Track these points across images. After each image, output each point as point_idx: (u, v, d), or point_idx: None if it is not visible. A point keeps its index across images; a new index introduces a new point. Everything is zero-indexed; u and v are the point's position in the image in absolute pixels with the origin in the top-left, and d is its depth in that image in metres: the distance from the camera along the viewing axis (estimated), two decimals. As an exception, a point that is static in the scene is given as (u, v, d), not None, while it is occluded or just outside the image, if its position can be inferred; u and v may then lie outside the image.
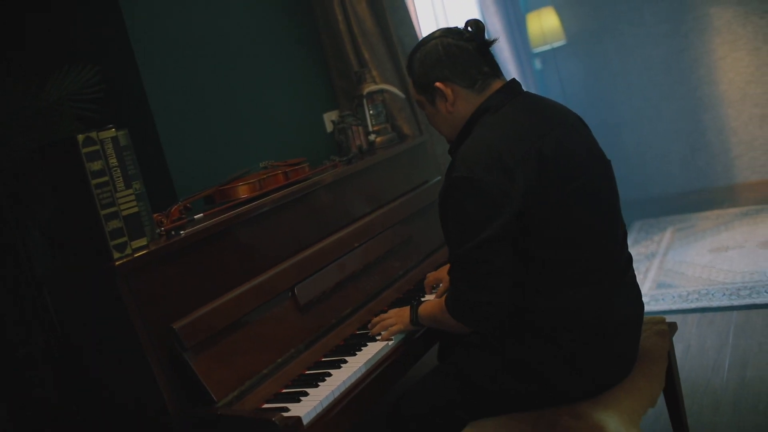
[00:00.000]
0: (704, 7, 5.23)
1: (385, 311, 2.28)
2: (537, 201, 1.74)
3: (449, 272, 1.90)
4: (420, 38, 2.64)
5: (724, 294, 3.74)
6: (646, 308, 3.78)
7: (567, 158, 1.80)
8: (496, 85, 1.93)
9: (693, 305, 3.73)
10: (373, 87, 2.89)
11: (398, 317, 2.13)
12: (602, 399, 1.90)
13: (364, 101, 2.89)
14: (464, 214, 1.76)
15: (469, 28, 1.96)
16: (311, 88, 3.14)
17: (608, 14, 5.54)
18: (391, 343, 2.08)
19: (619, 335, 1.90)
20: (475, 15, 4.69)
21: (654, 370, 2.04)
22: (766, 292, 3.63)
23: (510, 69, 4.83)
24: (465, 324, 1.87)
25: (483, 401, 1.96)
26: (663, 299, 3.89)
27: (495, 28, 4.71)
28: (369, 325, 2.18)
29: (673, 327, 2.28)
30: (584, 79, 5.76)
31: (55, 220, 1.88)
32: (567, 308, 1.82)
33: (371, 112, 2.91)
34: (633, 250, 4.68)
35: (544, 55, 5.78)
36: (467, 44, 1.92)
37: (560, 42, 5.45)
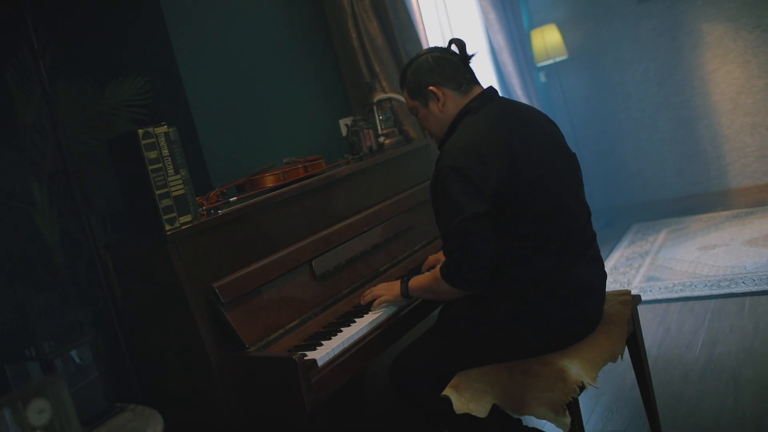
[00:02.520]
0: (696, 23, 5.56)
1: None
2: (509, 184, 2.13)
3: (442, 246, 2.28)
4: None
5: (706, 285, 4.08)
6: (643, 296, 4.15)
7: (533, 150, 2.19)
8: (477, 90, 2.34)
9: (676, 295, 4.07)
10: (382, 96, 3.29)
11: (387, 289, 2.50)
12: (567, 351, 2.27)
13: (375, 108, 3.29)
14: (451, 195, 2.15)
15: (453, 45, 2.38)
16: (328, 97, 3.54)
17: (607, 31, 5.88)
18: (390, 311, 2.46)
19: (581, 298, 2.28)
20: (480, 32, 5.06)
21: (615, 331, 2.40)
22: (743, 282, 3.96)
23: (513, 82, 5.18)
24: (458, 287, 2.23)
25: (468, 355, 2.33)
26: (650, 290, 4.24)
27: (499, 45, 5.08)
28: (361, 298, 2.53)
29: (636, 298, 2.64)
30: (585, 92, 6.10)
31: (112, 204, 2.28)
32: (536, 274, 2.21)
33: (381, 117, 3.31)
34: (629, 250, 5.03)
35: (548, 69, 6.14)
36: (452, 57, 2.33)
37: (562, 57, 5.82)
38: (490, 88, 2.37)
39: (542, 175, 2.18)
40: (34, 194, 2.44)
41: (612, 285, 4.39)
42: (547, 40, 5.75)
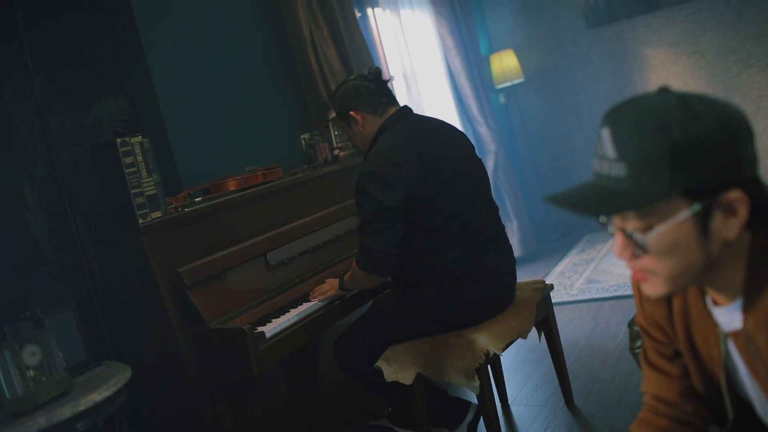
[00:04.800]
0: (642, 48, 6.02)
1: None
2: (419, 185, 2.56)
3: (358, 236, 2.70)
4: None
5: (637, 286, 4.50)
6: (575, 298, 4.58)
7: (441, 157, 2.62)
8: (392, 110, 2.77)
9: (611, 294, 4.49)
10: (333, 115, 3.72)
11: (331, 285, 2.90)
12: (480, 326, 2.69)
13: (330, 124, 3.71)
14: (368, 194, 2.58)
15: (369, 74, 2.81)
16: (290, 113, 3.97)
17: (560, 55, 6.33)
18: (331, 296, 2.86)
19: (491, 281, 2.70)
20: (438, 58, 5.50)
21: (524, 312, 2.82)
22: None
23: (470, 103, 5.60)
24: (366, 271, 2.63)
25: (397, 332, 2.74)
26: (589, 291, 4.66)
27: (456, 68, 5.51)
28: (310, 294, 2.90)
29: (548, 287, 3.05)
30: (541, 112, 6.53)
31: (95, 205, 2.68)
32: (449, 262, 2.63)
33: (336, 133, 3.73)
34: (578, 257, 5.47)
35: (506, 91, 6.58)
36: (369, 83, 2.77)
37: (519, 79, 6.28)
38: (405, 106, 2.81)
39: (449, 177, 2.61)
40: (27, 197, 2.84)
41: (556, 287, 4.82)
42: (505, 64, 6.21)
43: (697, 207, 1.07)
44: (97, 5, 3.15)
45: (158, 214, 2.62)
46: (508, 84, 6.25)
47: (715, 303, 1.22)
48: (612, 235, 1.17)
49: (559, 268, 5.36)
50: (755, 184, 1.10)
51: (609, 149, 1.10)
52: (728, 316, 1.19)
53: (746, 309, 1.15)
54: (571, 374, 3.31)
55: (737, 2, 5.61)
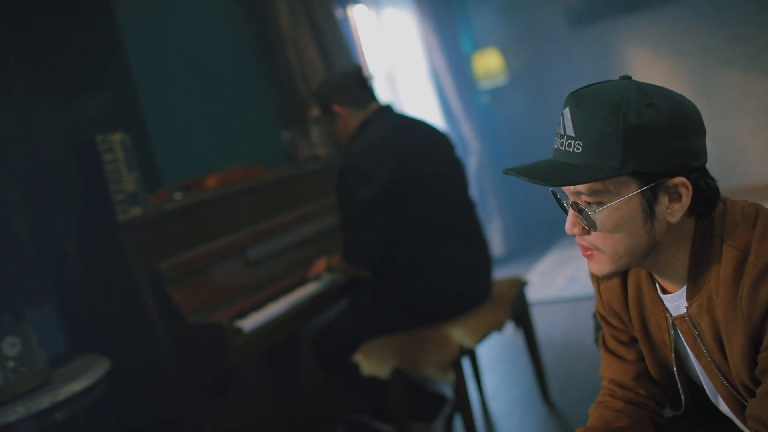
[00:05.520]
0: (624, 48, 6.10)
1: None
2: (397, 180, 2.61)
3: (340, 229, 2.75)
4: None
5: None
6: (555, 297, 4.64)
7: (419, 154, 2.67)
8: (374, 105, 2.82)
9: (590, 293, 4.52)
10: (317, 111, 3.75)
11: (320, 265, 2.94)
12: (455, 320, 2.74)
13: (311, 122, 3.75)
14: (348, 187, 2.62)
15: (351, 70, 2.87)
16: (271, 111, 4.00)
17: (543, 54, 6.38)
18: (310, 291, 2.90)
19: (466, 276, 2.75)
20: (421, 56, 5.55)
21: (499, 306, 2.87)
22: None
23: (453, 103, 5.66)
24: (352, 264, 2.70)
25: (373, 327, 2.78)
26: (569, 289, 4.72)
27: (439, 68, 5.57)
28: (307, 273, 2.98)
29: (524, 283, 3.11)
30: (524, 112, 6.58)
31: (77, 202, 2.71)
32: (425, 256, 2.68)
33: (317, 131, 3.77)
34: (559, 256, 5.53)
35: (491, 92, 6.63)
36: (352, 79, 2.82)
37: (503, 79, 6.33)
38: (387, 104, 2.85)
39: (426, 174, 2.66)
40: (9, 194, 2.87)
41: (536, 286, 4.88)
42: (489, 62, 6.25)
43: (644, 188, 1.14)
44: (79, 4, 3.18)
45: (138, 210, 2.65)
46: (492, 82, 6.30)
47: (665, 290, 1.28)
48: (566, 212, 1.23)
49: (541, 267, 5.42)
50: (701, 175, 1.17)
51: (569, 128, 1.16)
52: (675, 302, 1.25)
53: (690, 295, 1.20)
54: (548, 370, 3.36)
55: (718, 4, 5.69)
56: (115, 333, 2.66)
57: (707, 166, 1.21)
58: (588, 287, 4.58)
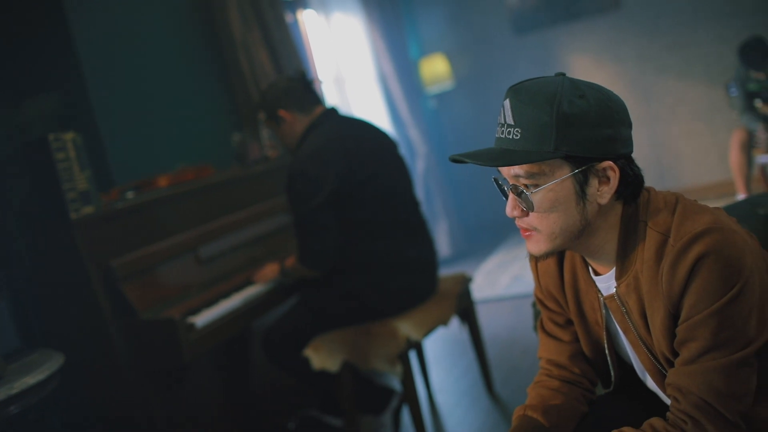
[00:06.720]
0: (566, 55, 6.28)
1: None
2: (346, 182, 2.69)
3: (294, 233, 2.82)
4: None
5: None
6: (500, 295, 4.77)
7: (366, 155, 2.76)
8: (319, 109, 2.89)
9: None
10: (263, 115, 3.80)
11: (272, 270, 3.00)
12: (402, 315, 2.83)
13: (261, 125, 3.81)
14: (297, 193, 2.70)
15: (295, 75, 2.94)
16: (222, 113, 4.05)
17: (488, 61, 6.53)
18: (261, 288, 2.96)
19: (413, 272, 2.84)
20: (369, 61, 5.65)
21: (444, 301, 2.97)
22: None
23: (401, 107, 5.76)
24: (308, 267, 2.78)
25: (323, 322, 2.86)
26: (514, 287, 4.85)
27: (387, 72, 5.67)
28: (253, 276, 3.05)
29: (468, 279, 3.21)
30: (470, 116, 6.71)
31: (27, 203, 2.73)
32: (373, 253, 2.77)
33: (267, 133, 3.83)
34: (504, 256, 5.68)
35: (438, 97, 6.76)
36: (296, 84, 2.89)
37: (449, 84, 6.46)
38: (332, 107, 2.94)
39: (373, 174, 2.75)
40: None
41: (481, 284, 5.01)
42: (436, 67, 6.38)
43: (576, 171, 1.25)
44: (29, 4, 3.19)
45: (91, 209, 2.68)
46: (439, 87, 6.43)
47: (596, 273, 1.39)
48: (506, 197, 1.34)
49: (486, 267, 5.55)
50: (627, 162, 1.30)
51: (509, 117, 1.28)
52: (606, 283, 1.37)
53: (619, 275, 1.32)
54: (492, 364, 3.48)
55: (654, 14, 5.92)
56: (68, 329, 2.68)
57: (643, 166, 1.34)
58: (531, 285, 4.72)
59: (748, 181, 4.98)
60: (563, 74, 1.31)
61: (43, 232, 2.70)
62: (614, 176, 1.27)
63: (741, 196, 4.95)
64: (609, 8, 6.03)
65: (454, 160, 1.31)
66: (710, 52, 5.75)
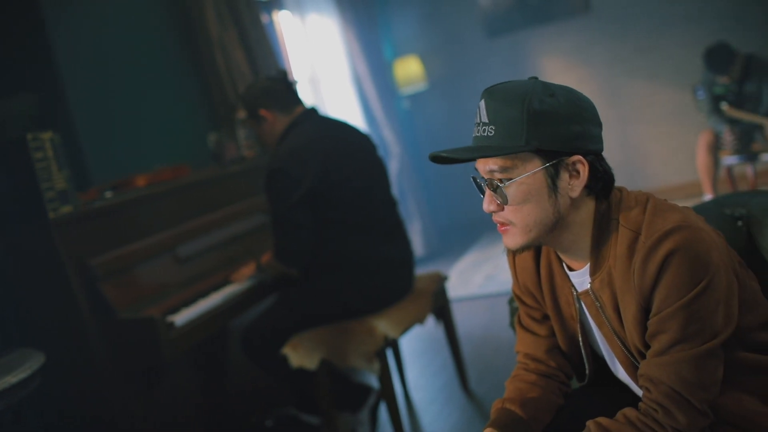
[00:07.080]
0: (538, 57, 6.37)
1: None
2: (323, 180, 2.73)
3: (271, 230, 2.85)
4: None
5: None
6: (474, 294, 4.82)
7: (343, 155, 2.81)
8: (299, 109, 2.93)
9: (507, 289, 4.74)
10: (244, 114, 3.84)
11: (249, 268, 3.04)
12: (379, 313, 2.87)
13: (237, 124, 3.83)
14: (276, 190, 2.74)
15: (276, 75, 2.98)
16: (199, 113, 4.07)
17: (461, 63, 6.61)
18: (241, 287, 2.99)
19: (390, 271, 2.89)
20: (343, 61, 5.68)
21: (421, 300, 3.02)
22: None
23: (375, 107, 5.80)
24: (284, 264, 2.82)
25: (302, 321, 2.89)
26: (487, 286, 4.92)
27: (361, 72, 5.71)
28: (231, 276, 3.08)
29: (443, 278, 3.26)
30: (443, 117, 6.78)
31: (3, 203, 2.73)
32: (350, 251, 2.81)
33: (243, 133, 3.85)
34: (477, 255, 5.74)
35: (411, 97, 6.82)
36: (278, 84, 2.92)
37: (423, 85, 6.52)
38: (312, 108, 2.97)
39: (351, 174, 2.79)
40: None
41: (455, 284, 5.07)
42: (409, 69, 6.44)
43: (547, 165, 1.32)
44: (4, 3, 3.19)
45: (69, 208, 2.68)
46: (412, 87, 6.48)
47: (571, 269, 1.44)
48: (483, 194, 1.40)
49: (460, 266, 5.61)
50: (597, 158, 1.36)
51: (483, 116, 1.35)
52: (581, 278, 1.42)
53: (593, 271, 1.37)
54: (467, 362, 3.54)
55: (623, 18, 6.02)
56: (47, 329, 2.69)
57: (613, 166, 1.40)
58: (504, 284, 4.79)
59: (714, 181, 5.10)
60: (536, 78, 1.38)
61: (21, 232, 2.70)
62: (584, 170, 1.33)
63: (708, 196, 5.07)
64: (580, 12, 6.12)
65: (433, 158, 1.37)
66: (678, 55, 5.87)
